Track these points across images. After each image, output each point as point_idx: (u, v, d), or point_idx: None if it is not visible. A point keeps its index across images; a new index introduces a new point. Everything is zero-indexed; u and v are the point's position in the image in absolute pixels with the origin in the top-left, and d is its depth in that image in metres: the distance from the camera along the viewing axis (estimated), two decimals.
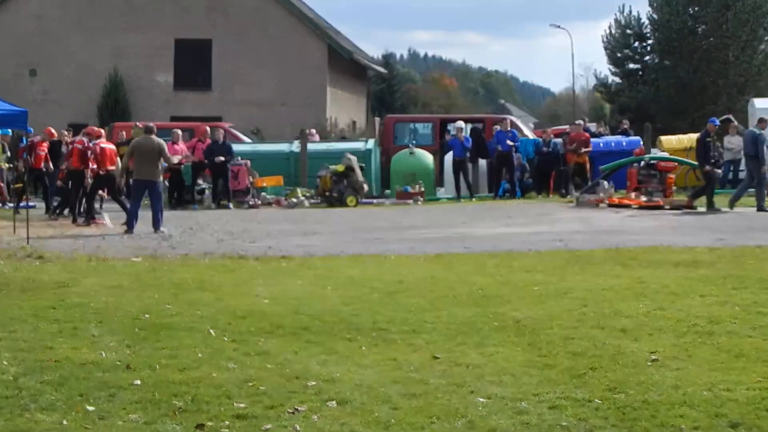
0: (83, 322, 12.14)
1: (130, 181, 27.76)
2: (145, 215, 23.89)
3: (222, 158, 31.89)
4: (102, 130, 28.11)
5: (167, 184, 30.15)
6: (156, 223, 23.79)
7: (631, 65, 55.88)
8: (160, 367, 9.77)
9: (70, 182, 26.88)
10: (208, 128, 33.89)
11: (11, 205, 26.45)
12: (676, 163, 32.70)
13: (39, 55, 48.74)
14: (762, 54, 51.19)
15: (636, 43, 55.62)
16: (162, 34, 49.12)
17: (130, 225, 23.76)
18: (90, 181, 25.94)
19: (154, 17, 49.05)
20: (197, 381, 9.25)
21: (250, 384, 9.14)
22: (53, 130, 29.21)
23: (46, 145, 29.02)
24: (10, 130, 30.75)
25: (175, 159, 27.76)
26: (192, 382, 9.18)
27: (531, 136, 39.19)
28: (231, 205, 31.48)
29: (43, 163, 28.69)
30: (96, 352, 10.48)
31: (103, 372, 9.60)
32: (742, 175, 36.27)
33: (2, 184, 29.16)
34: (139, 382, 9.20)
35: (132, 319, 12.28)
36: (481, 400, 8.57)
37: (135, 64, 48.87)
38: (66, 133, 30.93)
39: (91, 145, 26.43)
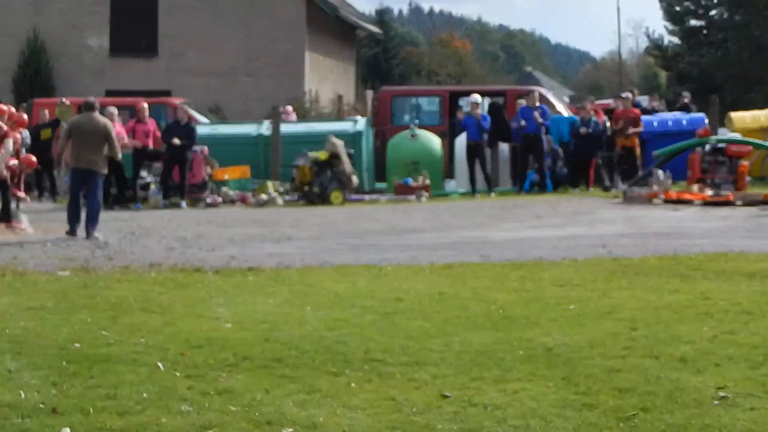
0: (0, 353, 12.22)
1: (54, 173, 27.88)
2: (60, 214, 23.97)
3: (178, 141, 31.87)
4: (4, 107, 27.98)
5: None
6: (90, 226, 23.75)
7: (693, 21, 56.03)
8: (94, 411, 9.78)
9: None
10: (145, 105, 33.81)
11: None
12: (751, 147, 32.76)
13: None
14: None
15: None
16: None
17: (71, 226, 23.76)
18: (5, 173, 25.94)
19: None
20: (142, 428, 9.28)
21: (210, 431, 9.21)
22: None
23: None
24: None
25: (133, 144, 27.60)
26: (135, 430, 9.23)
27: (566, 113, 39.32)
28: (184, 204, 31.55)
29: None
30: (13, 391, 10.49)
31: (23, 417, 9.61)
32: None
33: None
34: (68, 430, 9.22)
35: (58, 350, 12.28)
36: None
37: (60, 24, 48.95)
38: None
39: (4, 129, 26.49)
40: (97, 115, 24.67)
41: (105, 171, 24.58)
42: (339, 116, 44.37)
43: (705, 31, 55.04)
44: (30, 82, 47.29)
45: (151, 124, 33.16)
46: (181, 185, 32.18)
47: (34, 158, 29.46)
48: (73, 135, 24.55)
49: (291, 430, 9.20)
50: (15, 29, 48.29)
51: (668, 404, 9.81)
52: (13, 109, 28.00)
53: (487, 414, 9.63)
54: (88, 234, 23.54)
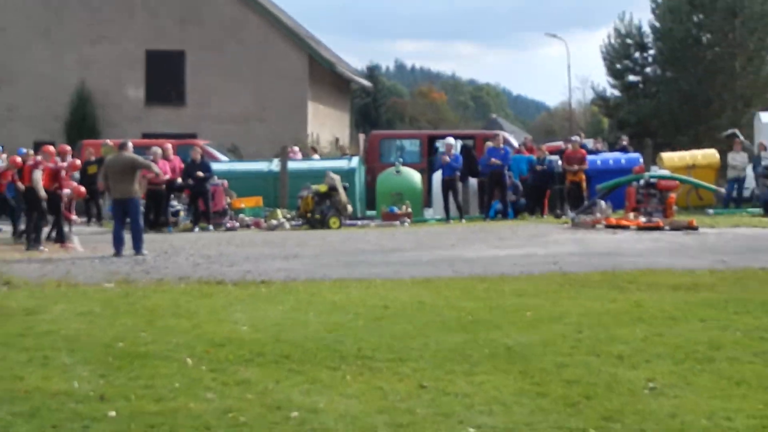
0: (54, 350, 12.20)
1: (100, 201, 27.89)
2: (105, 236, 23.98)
3: (201, 174, 31.98)
4: (52, 147, 27.99)
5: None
6: (136, 246, 23.85)
7: (631, 77, 56.02)
8: (135, 398, 9.85)
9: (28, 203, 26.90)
10: (170, 145, 33.87)
11: None
12: (678, 182, 32.85)
13: (2, 69, 48.68)
14: None
15: (636, 54, 55.72)
16: (132, 46, 49.08)
17: (116, 248, 23.79)
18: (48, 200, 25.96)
19: (124, 27, 48.99)
20: (174, 412, 9.34)
21: (230, 415, 9.22)
22: (18, 159, 29.09)
23: (10, 173, 29.02)
24: None
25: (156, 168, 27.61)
26: (169, 413, 9.27)
27: (515, 143, 39.44)
28: (211, 227, 31.58)
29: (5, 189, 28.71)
30: (68, 382, 10.56)
31: (76, 403, 9.68)
32: (746, 193, 36.55)
33: None
34: (113, 413, 9.28)
35: (105, 348, 12.33)
36: (471, 430, 8.67)
37: (103, 78, 48.78)
38: (30, 153, 30.99)
39: (59, 162, 26.55)
40: (124, 152, 24.70)
41: (139, 195, 24.61)
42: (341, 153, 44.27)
43: (641, 85, 54.91)
44: (79, 127, 47.16)
45: (176, 161, 33.18)
46: (206, 212, 32.21)
47: (83, 189, 29.54)
48: (107, 172, 24.66)
49: (297, 413, 9.25)
50: (66, 83, 48.21)
51: (607, 393, 9.87)
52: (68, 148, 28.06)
53: (457, 401, 9.69)
54: (137, 252, 23.65)
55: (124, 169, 24.29)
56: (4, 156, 29.79)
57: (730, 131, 41.13)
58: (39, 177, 25.79)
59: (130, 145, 25.35)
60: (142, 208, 25.51)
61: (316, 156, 40.29)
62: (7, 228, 29.27)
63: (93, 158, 34.85)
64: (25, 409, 9.47)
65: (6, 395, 9.99)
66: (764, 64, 51.19)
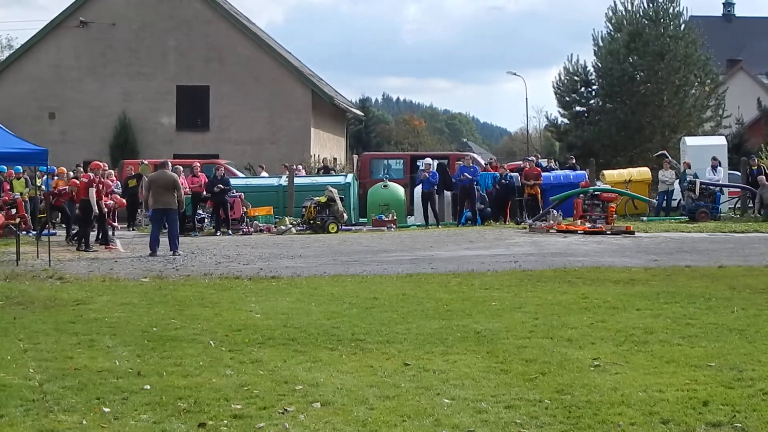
0: (99, 334, 12.18)
1: (139, 210, 27.75)
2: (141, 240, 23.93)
3: (222, 187, 32.02)
4: (100, 164, 28.11)
5: None
6: (173, 246, 23.95)
7: (578, 108, 55.83)
8: (166, 374, 9.82)
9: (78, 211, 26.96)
10: (198, 164, 34.05)
11: (34, 232, 26.38)
12: (617, 194, 32.89)
13: (57, 100, 48.59)
14: (692, 97, 51.20)
15: (582, 89, 55.53)
16: (165, 81, 49.03)
17: (152, 249, 23.84)
18: (96, 210, 25.97)
19: (158, 65, 48.97)
20: (199, 386, 9.31)
21: (245, 388, 9.20)
22: (77, 181, 29.11)
23: (63, 182, 28.98)
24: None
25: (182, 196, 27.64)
26: (194, 387, 9.24)
27: (483, 162, 39.44)
28: (230, 232, 31.53)
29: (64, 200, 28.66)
30: (110, 360, 10.54)
31: (117, 378, 9.65)
32: (674, 204, 36.61)
33: (27, 215, 29.10)
34: (148, 386, 9.25)
35: (141, 332, 12.32)
36: (446, 401, 8.64)
37: (141, 108, 48.73)
38: (80, 169, 30.93)
39: (99, 178, 26.59)
40: (167, 171, 24.84)
41: (175, 207, 24.61)
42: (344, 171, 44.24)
43: (586, 115, 54.70)
44: (121, 149, 47.03)
45: (202, 177, 33.17)
46: (226, 219, 32.15)
47: (124, 200, 29.50)
48: (152, 186, 24.68)
49: (301, 386, 9.22)
50: (110, 111, 48.12)
51: (559, 370, 9.86)
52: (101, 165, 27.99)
53: (435, 376, 9.66)
54: (173, 252, 23.66)
55: (167, 184, 24.42)
56: (61, 175, 29.72)
57: (659, 152, 41.13)
58: (93, 194, 25.81)
59: (169, 164, 25.50)
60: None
61: (303, 172, 40.13)
62: (61, 232, 29.17)
63: (132, 174, 34.72)
64: (75, 383, 9.43)
65: (58, 372, 9.95)
66: (687, 97, 51.15)
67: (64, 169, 31.80)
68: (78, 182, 27.08)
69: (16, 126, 36.32)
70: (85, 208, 26.00)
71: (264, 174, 40.19)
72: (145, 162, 34.92)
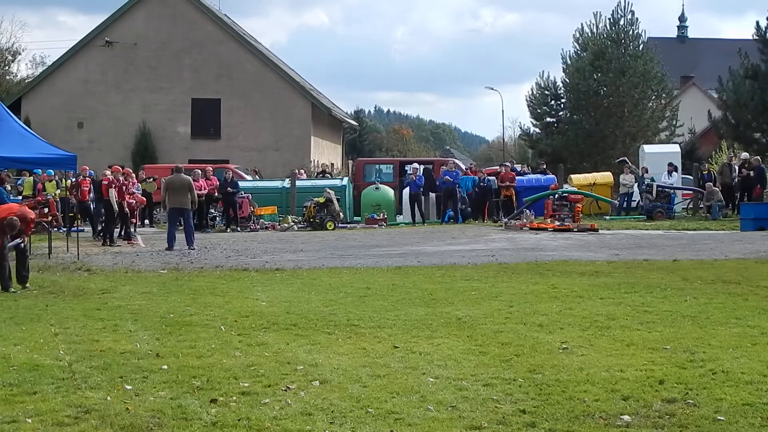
0: (122, 320, 12.16)
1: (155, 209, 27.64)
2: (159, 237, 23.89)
3: (231, 189, 32.03)
4: (119, 168, 28.33)
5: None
6: (188, 241, 23.96)
7: (548, 119, 55.85)
8: (182, 355, 9.79)
9: (102, 209, 27.05)
10: (210, 168, 34.07)
11: (65, 229, 26.34)
12: (582, 196, 32.94)
13: (85, 111, 48.62)
14: (650, 110, 51.30)
15: (552, 102, 55.59)
16: (181, 94, 49.07)
17: (169, 244, 23.82)
18: (116, 209, 26.07)
19: (175, 81, 48.99)
20: (211, 366, 9.28)
21: (252, 368, 9.17)
22: (87, 168, 29.30)
23: (88, 181, 28.95)
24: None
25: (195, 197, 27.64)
26: (207, 367, 9.22)
27: (464, 167, 39.44)
28: (239, 229, 31.49)
29: (88, 196, 28.63)
30: (132, 343, 10.51)
31: (138, 359, 9.63)
32: (633, 204, 36.66)
33: (58, 213, 29.01)
34: (166, 366, 9.22)
35: (160, 318, 12.30)
36: (431, 379, 8.62)
37: (160, 118, 48.77)
38: (105, 172, 30.90)
39: (121, 180, 26.69)
40: (182, 174, 24.85)
41: (190, 207, 24.60)
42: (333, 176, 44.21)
43: (556, 125, 54.66)
44: (142, 155, 47.04)
45: (214, 180, 33.12)
46: (235, 218, 32.13)
47: (144, 199, 29.53)
48: (169, 188, 24.66)
49: (302, 366, 9.19)
50: (132, 121, 48.18)
51: (532, 352, 9.85)
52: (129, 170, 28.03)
53: (421, 358, 9.65)
54: (190, 246, 23.65)
55: (183, 186, 24.41)
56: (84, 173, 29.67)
57: (620, 159, 41.14)
58: (113, 194, 25.94)
59: (183, 168, 25.65)
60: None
61: (304, 176, 40.06)
62: (88, 229, 29.12)
63: (150, 179, 34.58)
64: (100, 363, 9.41)
65: (86, 354, 9.93)
66: (645, 109, 51.20)
67: (86, 168, 31.67)
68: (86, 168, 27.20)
69: (48, 134, 36.19)
70: (108, 207, 26.13)
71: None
72: (150, 180, 34.55)
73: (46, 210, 27.90)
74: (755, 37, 45.72)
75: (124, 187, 27.01)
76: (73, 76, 49.18)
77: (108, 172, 27.24)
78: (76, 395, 8.12)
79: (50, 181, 31.53)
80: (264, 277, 17.20)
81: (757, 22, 46.11)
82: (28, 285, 15.92)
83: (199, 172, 31.63)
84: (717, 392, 8.02)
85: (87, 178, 29.04)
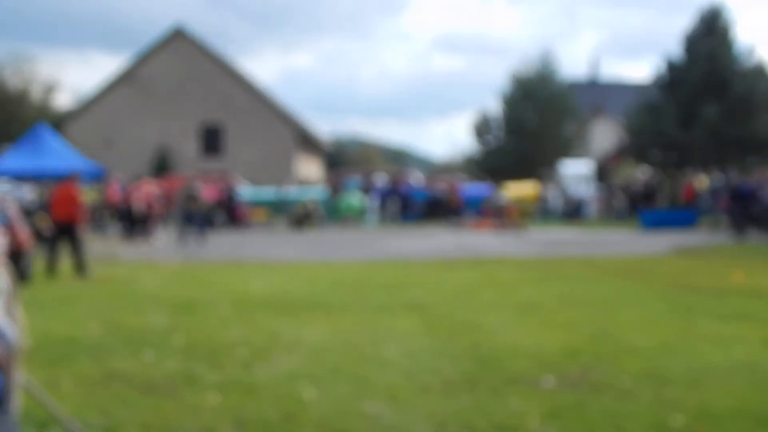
0: (142, 302, 12.12)
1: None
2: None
3: (231, 197, 31.98)
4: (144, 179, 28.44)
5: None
6: (197, 240, 23.85)
7: (489, 143, 56.13)
8: (191, 331, 9.79)
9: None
10: (214, 178, 34.02)
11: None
12: (515, 204, 33.11)
13: (113, 133, 48.40)
14: (567, 133, 52.14)
15: (492, 130, 55.90)
16: (191, 119, 48.93)
17: (181, 242, 23.74)
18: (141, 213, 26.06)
19: (186, 108, 48.81)
20: (213, 338, 9.29)
21: (247, 340, 9.17)
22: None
23: (117, 186, 28.84)
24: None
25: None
26: (211, 340, 9.22)
27: (419, 180, 39.61)
28: (237, 230, 31.37)
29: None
30: (147, 321, 10.49)
31: (154, 334, 9.60)
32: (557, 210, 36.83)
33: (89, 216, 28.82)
34: (177, 340, 9.24)
35: (173, 300, 12.24)
36: (391, 350, 8.67)
37: (174, 139, 48.62)
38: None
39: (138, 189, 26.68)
40: (193, 184, 24.89)
41: (198, 211, 24.54)
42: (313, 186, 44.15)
43: (494, 148, 54.98)
44: (158, 169, 46.86)
45: (218, 188, 33.02)
46: (234, 220, 32.03)
47: (161, 205, 29.48)
48: (183, 195, 24.68)
49: (287, 339, 9.19)
50: (149, 141, 48.00)
51: (473, 330, 9.87)
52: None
53: (383, 333, 9.66)
54: (198, 244, 23.52)
55: (192, 194, 24.35)
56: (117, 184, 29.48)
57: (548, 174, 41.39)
58: (136, 200, 25.98)
59: (193, 179, 25.70)
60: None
61: (291, 187, 40.01)
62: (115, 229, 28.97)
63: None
64: (123, 337, 9.38)
65: (111, 330, 9.89)
66: (564, 133, 51.81)
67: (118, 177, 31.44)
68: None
69: (85, 151, 36.08)
70: (131, 211, 26.08)
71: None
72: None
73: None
74: (653, 80, 46.15)
75: (144, 195, 26.89)
76: (104, 105, 48.95)
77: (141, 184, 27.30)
78: (105, 362, 8.11)
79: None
80: (257, 269, 17.16)
81: (657, 67, 46.55)
82: (86, 272, 15.69)
83: (203, 184, 31.55)
84: (622, 361, 8.12)
85: (116, 186, 28.92)
